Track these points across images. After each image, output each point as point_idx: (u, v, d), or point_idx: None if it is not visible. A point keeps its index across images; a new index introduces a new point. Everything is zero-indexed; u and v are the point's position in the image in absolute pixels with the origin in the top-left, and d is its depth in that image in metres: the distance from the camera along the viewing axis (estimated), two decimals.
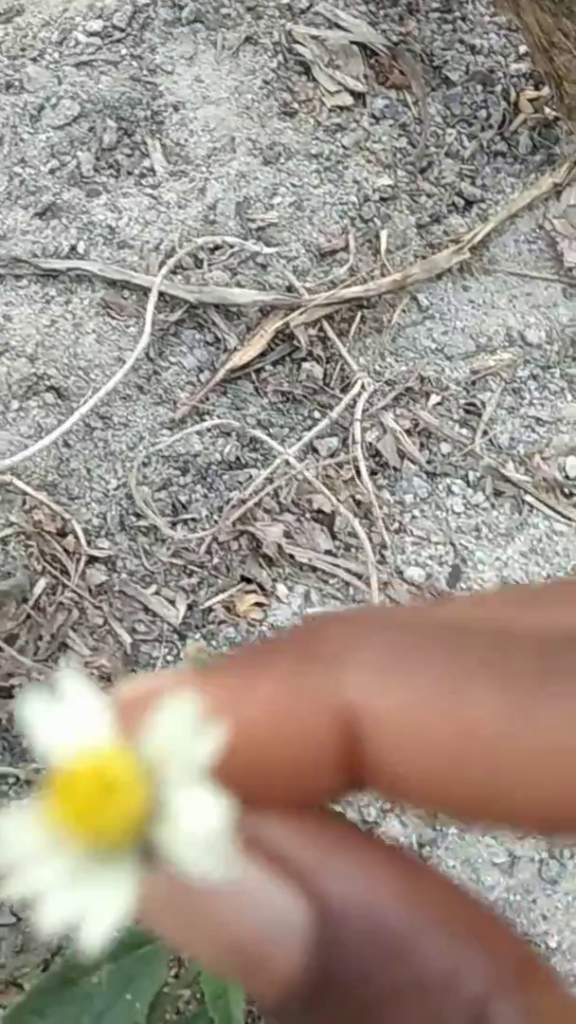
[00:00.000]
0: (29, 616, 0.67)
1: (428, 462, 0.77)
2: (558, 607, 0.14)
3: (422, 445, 0.78)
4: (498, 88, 0.93)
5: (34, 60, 0.90)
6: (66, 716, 0.12)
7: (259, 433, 0.78)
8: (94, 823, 0.11)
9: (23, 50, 0.91)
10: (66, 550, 0.71)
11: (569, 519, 0.75)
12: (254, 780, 0.12)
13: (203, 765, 0.11)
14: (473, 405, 0.80)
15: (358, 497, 0.75)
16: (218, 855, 0.11)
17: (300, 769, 0.13)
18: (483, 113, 0.92)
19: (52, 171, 0.85)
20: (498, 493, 0.77)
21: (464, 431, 0.79)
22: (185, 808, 0.11)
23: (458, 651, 0.13)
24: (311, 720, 0.13)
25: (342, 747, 0.13)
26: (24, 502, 0.72)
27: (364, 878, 0.13)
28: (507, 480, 0.77)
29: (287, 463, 0.76)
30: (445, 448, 0.78)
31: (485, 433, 0.79)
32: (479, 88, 0.93)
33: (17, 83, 0.88)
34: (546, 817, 0.13)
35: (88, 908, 0.11)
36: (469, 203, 0.88)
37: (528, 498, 0.77)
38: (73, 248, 0.81)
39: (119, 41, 0.91)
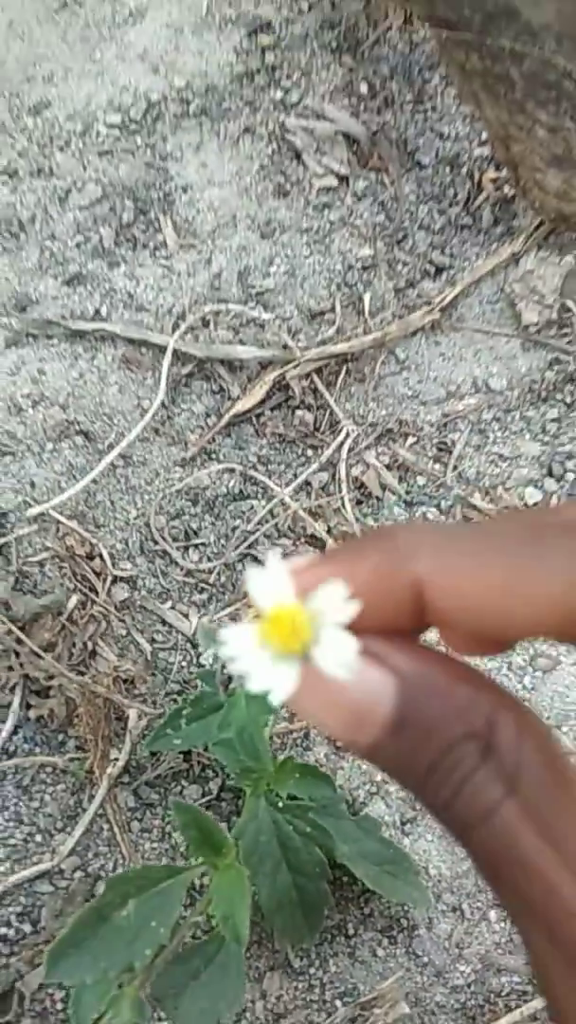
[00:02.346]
0: (64, 627, 0.78)
1: (406, 492, 0.89)
2: (559, 513, 0.23)
3: (400, 478, 0.90)
4: (464, 170, 1.06)
5: (61, 149, 1.04)
6: (270, 582, 0.22)
7: (258, 475, 0.89)
8: (285, 642, 0.21)
9: (51, 139, 1.05)
10: (94, 571, 0.82)
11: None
12: (364, 620, 0.22)
13: (343, 620, 0.21)
14: (444, 444, 0.92)
15: (343, 527, 0.87)
16: (347, 666, 0.21)
17: (389, 615, 0.22)
18: (451, 192, 1.05)
19: (78, 245, 0.98)
20: (466, 519, 0.89)
21: (437, 466, 0.91)
22: (332, 639, 0.21)
23: (480, 540, 0.22)
24: (396, 587, 0.22)
25: (414, 601, 0.22)
26: (58, 530, 0.83)
27: (423, 662, 0.22)
28: (474, 508, 0.89)
29: (283, 500, 0.88)
30: (421, 480, 0.90)
31: (455, 468, 0.91)
32: (447, 170, 1.07)
33: (47, 169, 1.02)
34: (526, 628, 0.22)
35: (275, 681, 0.21)
36: (439, 270, 1.01)
37: None
38: (97, 311, 0.94)
39: (135, 132, 1.05)
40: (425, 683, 0.22)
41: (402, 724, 0.22)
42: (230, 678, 0.67)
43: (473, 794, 0.21)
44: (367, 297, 0.97)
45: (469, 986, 0.73)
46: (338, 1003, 0.70)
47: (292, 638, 0.21)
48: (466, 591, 0.22)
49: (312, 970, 0.71)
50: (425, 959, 0.73)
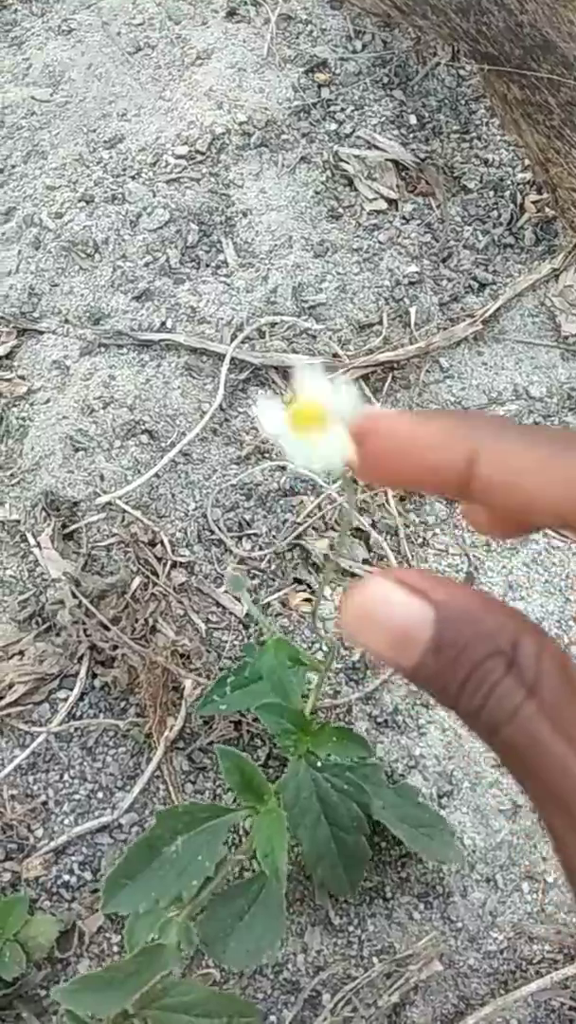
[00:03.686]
0: (128, 605, 0.85)
1: None
2: None
3: None
4: (507, 193, 1.13)
5: (133, 178, 1.14)
6: (306, 384, 0.29)
7: (307, 472, 0.96)
8: (307, 420, 0.28)
9: (124, 170, 1.15)
10: (156, 556, 0.89)
11: (564, 536, 0.91)
12: (422, 475, 0.27)
13: (347, 412, 0.28)
14: None
15: (387, 521, 0.93)
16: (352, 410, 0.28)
17: (444, 465, 0.27)
18: (495, 213, 1.12)
19: (147, 264, 1.07)
20: None
21: None
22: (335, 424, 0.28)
23: (529, 434, 0.27)
24: (455, 449, 0.27)
25: (467, 466, 0.27)
26: (124, 518, 0.91)
27: (457, 596, 0.26)
28: None
29: (330, 495, 0.94)
30: None
31: None
32: (491, 193, 1.13)
33: (120, 196, 1.12)
34: (548, 506, 0.26)
35: (306, 451, 0.28)
36: (482, 285, 1.07)
37: None
38: (163, 323, 1.02)
39: (200, 162, 1.14)
40: (458, 612, 0.26)
41: (439, 647, 0.25)
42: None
43: (499, 699, 0.25)
44: (413, 310, 1.04)
45: (501, 952, 0.76)
46: (375, 959, 0.74)
47: (314, 419, 0.28)
48: (509, 465, 0.27)
49: (351, 928, 0.76)
50: (459, 924, 0.77)
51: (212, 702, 0.72)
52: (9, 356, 1.02)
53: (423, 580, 0.26)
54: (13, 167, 1.16)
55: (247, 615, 0.88)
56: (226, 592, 0.89)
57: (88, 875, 0.77)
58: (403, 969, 0.74)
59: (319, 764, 0.71)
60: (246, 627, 0.88)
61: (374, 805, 0.71)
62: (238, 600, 0.89)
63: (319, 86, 1.19)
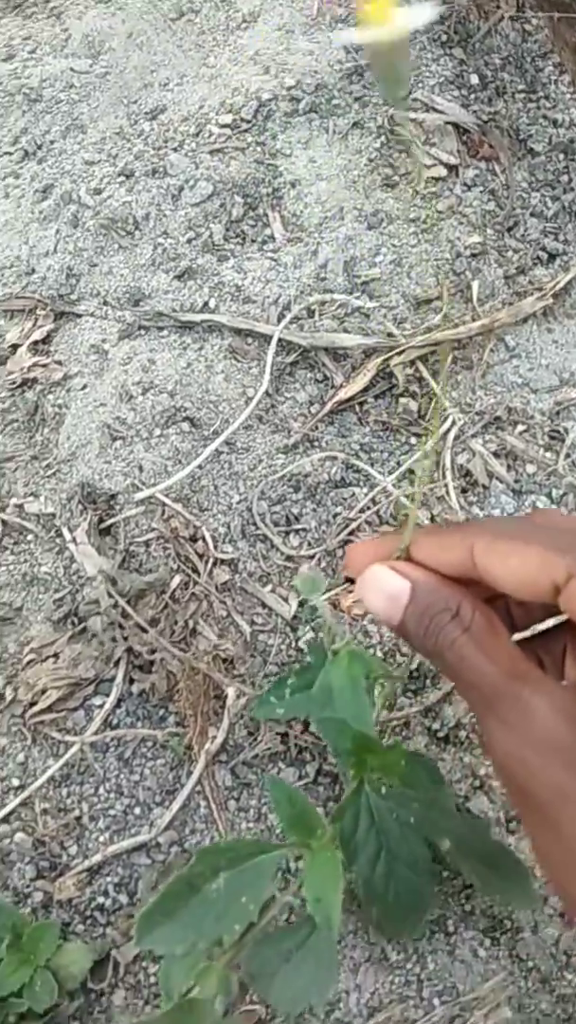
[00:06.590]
0: (167, 605, 0.79)
1: (515, 481, 0.86)
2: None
3: (509, 467, 0.87)
4: None
5: (175, 149, 1.07)
6: None
7: (360, 463, 0.88)
8: None
9: (166, 141, 1.08)
10: (197, 553, 0.83)
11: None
12: (440, 566, 0.43)
13: None
14: (557, 432, 0.89)
15: (447, 515, 0.85)
16: None
17: (453, 565, 0.42)
18: (565, 178, 1.03)
19: (189, 241, 1.00)
20: None
21: (548, 454, 0.88)
22: None
23: (516, 534, 0.40)
24: (461, 550, 0.41)
25: (469, 560, 0.41)
26: (163, 512, 0.85)
27: (426, 576, 0.42)
28: None
29: (385, 488, 0.87)
30: (530, 469, 0.87)
31: (568, 456, 0.87)
32: (561, 156, 1.04)
33: (161, 169, 1.05)
34: (535, 590, 0.39)
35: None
36: (552, 256, 0.98)
37: None
38: (206, 304, 0.96)
39: (246, 131, 1.07)
40: (425, 586, 0.42)
41: (413, 608, 0.41)
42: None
43: (444, 635, 0.40)
44: (475, 284, 0.96)
45: None
46: (436, 1001, 0.67)
47: None
48: (503, 555, 0.40)
49: (409, 965, 0.69)
50: (530, 964, 0.69)
51: (269, 704, 0.64)
52: (46, 340, 0.97)
53: (406, 567, 0.43)
54: (52, 143, 1.11)
55: (294, 617, 0.81)
56: (272, 592, 0.82)
57: (124, 898, 0.71)
58: (468, 1014, 0.66)
59: (383, 791, 0.64)
60: (294, 630, 0.81)
61: (443, 844, 0.64)
62: (285, 600, 0.82)
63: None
